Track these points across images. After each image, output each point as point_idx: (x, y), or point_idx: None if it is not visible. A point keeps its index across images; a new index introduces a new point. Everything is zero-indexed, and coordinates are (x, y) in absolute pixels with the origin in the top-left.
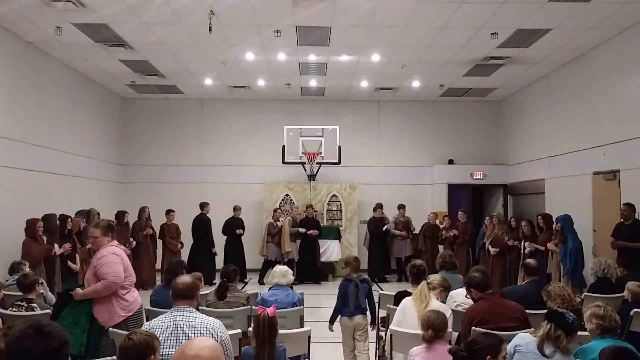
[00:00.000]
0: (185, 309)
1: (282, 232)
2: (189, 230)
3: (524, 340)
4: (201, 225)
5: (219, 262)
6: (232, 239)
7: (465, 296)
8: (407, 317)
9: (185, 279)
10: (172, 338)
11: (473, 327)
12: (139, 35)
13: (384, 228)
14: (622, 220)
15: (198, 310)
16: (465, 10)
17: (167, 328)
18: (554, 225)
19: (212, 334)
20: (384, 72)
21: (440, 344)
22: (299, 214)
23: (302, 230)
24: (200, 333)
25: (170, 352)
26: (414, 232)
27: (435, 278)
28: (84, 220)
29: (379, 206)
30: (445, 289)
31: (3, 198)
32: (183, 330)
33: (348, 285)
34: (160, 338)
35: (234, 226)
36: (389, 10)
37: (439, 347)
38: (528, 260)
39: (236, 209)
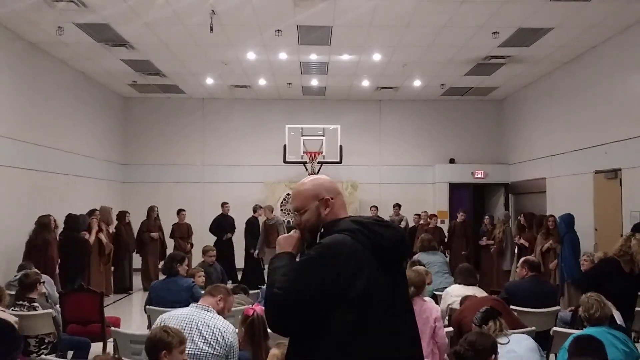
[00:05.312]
0: (204, 306)
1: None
2: (195, 230)
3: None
4: (219, 224)
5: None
6: (255, 241)
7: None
8: None
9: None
10: (186, 332)
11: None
12: (141, 35)
13: None
14: None
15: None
16: (466, 9)
17: (182, 320)
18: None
19: (224, 336)
20: (385, 72)
21: (419, 299)
22: (271, 214)
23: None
24: (213, 333)
25: None
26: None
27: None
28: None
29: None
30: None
31: (6, 198)
32: (197, 326)
33: None
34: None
35: (255, 227)
36: (390, 10)
37: (418, 302)
38: (529, 257)
39: (256, 209)
